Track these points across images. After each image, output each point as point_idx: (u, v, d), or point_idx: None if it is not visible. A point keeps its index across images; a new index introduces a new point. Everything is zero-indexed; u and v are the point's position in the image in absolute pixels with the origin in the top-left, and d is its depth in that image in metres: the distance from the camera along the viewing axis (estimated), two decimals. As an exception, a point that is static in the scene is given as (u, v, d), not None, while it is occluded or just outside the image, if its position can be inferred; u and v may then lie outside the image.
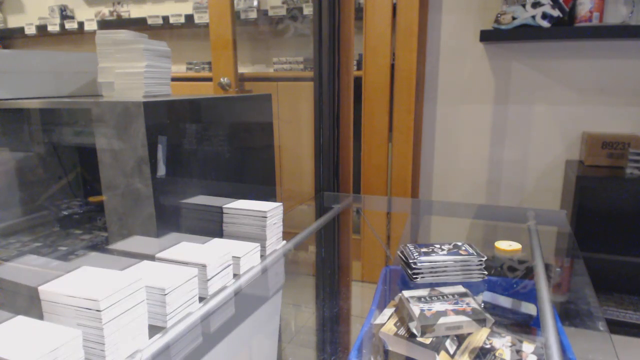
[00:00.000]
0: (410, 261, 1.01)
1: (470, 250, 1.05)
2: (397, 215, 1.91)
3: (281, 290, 1.13)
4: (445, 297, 0.86)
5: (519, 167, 2.30)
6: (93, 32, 1.51)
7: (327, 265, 1.42)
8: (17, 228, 1.32)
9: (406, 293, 0.85)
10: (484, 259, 1.03)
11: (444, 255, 1.03)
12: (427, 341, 0.75)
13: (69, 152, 1.46)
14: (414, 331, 0.76)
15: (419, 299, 0.84)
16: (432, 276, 1.01)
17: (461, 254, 1.03)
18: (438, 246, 1.07)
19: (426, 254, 1.03)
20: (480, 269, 1.02)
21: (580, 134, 2.18)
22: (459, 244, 1.09)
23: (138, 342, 0.74)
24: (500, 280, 1.09)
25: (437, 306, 0.81)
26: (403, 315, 0.82)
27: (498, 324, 0.83)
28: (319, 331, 1.03)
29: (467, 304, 0.83)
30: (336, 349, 0.93)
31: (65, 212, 1.46)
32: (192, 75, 3.21)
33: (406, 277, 1.03)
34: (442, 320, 0.77)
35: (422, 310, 0.79)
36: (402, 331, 0.79)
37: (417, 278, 1.00)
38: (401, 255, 1.07)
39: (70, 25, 3.46)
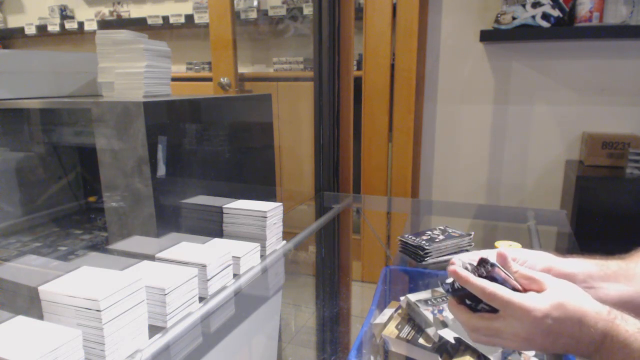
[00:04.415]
0: (422, 244, 1.15)
1: (458, 232, 1.23)
2: (397, 215, 1.91)
3: (281, 290, 1.13)
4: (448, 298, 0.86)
5: (519, 167, 2.30)
6: (93, 32, 1.51)
7: (327, 265, 1.42)
8: (17, 228, 1.32)
9: (411, 296, 0.85)
10: (472, 235, 1.21)
11: (443, 238, 1.19)
12: (430, 344, 0.75)
13: (69, 152, 1.46)
14: (433, 338, 0.75)
15: (426, 302, 0.83)
16: (438, 256, 1.16)
17: (453, 236, 1.20)
18: (429, 232, 1.23)
19: (429, 240, 1.17)
20: (470, 245, 1.21)
21: (580, 134, 2.18)
22: (442, 227, 1.25)
23: (138, 342, 0.74)
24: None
25: (446, 309, 0.80)
26: (414, 320, 0.81)
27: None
28: (319, 331, 1.03)
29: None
30: (336, 349, 0.93)
31: (65, 212, 1.46)
32: (192, 75, 3.21)
33: (407, 277, 1.04)
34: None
35: (434, 315, 0.79)
36: (404, 333, 0.79)
37: (427, 259, 1.14)
38: (406, 242, 1.19)
39: (70, 25, 3.46)
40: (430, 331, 0.77)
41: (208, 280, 0.92)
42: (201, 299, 0.91)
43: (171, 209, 1.09)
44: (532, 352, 0.77)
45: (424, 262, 1.14)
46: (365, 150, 2.38)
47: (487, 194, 2.39)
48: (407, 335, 0.78)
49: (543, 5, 1.95)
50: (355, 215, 2.14)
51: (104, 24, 3.40)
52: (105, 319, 0.67)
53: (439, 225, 1.27)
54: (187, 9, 3.25)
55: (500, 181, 2.35)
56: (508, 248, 0.69)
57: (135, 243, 1.05)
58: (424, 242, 1.15)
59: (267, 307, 1.06)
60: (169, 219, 1.08)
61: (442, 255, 1.16)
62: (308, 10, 2.80)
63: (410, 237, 1.20)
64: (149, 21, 3.22)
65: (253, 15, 2.92)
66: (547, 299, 0.55)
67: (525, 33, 2.02)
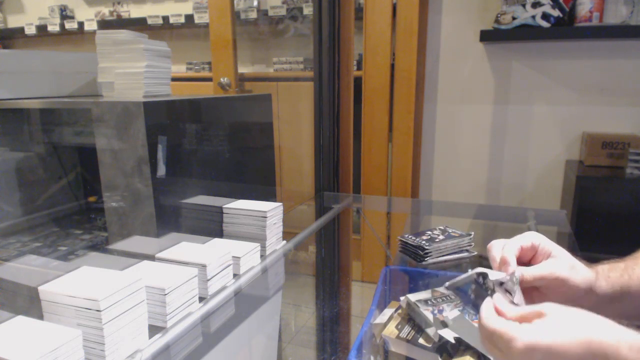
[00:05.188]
0: (422, 244, 1.15)
1: (458, 232, 1.23)
2: (397, 215, 1.91)
3: (281, 290, 1.13)
4: (448, 297, 0.86)
5: (519, 167, 2.30)
6: (93, 32, 1.51)
7: (327, 265, 1.42)
8: (17, 228, 1.32)
9: (411, 296, 0.85)
10: (472, 235, 1.21)
11: (443, 238, 1.19)
12: (430, 344, 0.75)
13: (69, 152, 1.46)
14: (433, 338, 0.75)
15: (426, 302, 0.83)
16: (438, 256, 1.17)
17: (453, 236, 1.20)
18: (429, 232, 1.23)
19: (429, 240, 1.18)
20: (470, 245, 1.21)
21: (580, 134, 2.18)
22: (442, 227, 1.25)
23: (138, 342, 0.74)
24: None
25: (446, 310, 0.80)
26: (414, 320, 0.81)
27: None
28: (319, 331, 1.03)
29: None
30: (336, 349, 0.94)
31: (65, 212, 1.46)
32: (192, 75, 3.21)
33: (407, 277, 1.04)
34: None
35: (434, 315, 0.79)
36: (404, 333, 0.79)
37: (427, 259, 1.15)
38: (406, 242, 1.20)
39: (70, 25, 3.46)
40: (430, 331, 0.77)
41: (208, 280, 0.92)
42: (201, 299, 0.91)
43: (171, 209, 1.09)
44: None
45: (424, 262, 1.14)
46: (365, 150, 2.38)
47: (487, 194, 2.39)
48: (407, 335, 0.78)
49: (543, 5, 1.95)
50: (355, 215, 2.14)
51: (104, 24, 3.40)
52: (105, 319, 0.67)
53: (439, 225, 1.27)
54: (187, 9, 3.25)
55: (500, 181, 2.35)
56: (533, 234, 0.66)
57: (135, 243, 1.05)
58: (424, 242, 1.15)
59: (267, 307, 1.06)
60: (169, 219, 1.08)
61: (442, 255, 1.16)
62: (308, 10, 2.80)
63: (410, 237, 1.20)
64: (149, 21, 3.22)
65: (253, 15, 2.92)
66: (538, 328, 0.48)
67: (525, 33, 2.02)
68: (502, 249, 0.64)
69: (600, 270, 0.64)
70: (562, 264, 0.62)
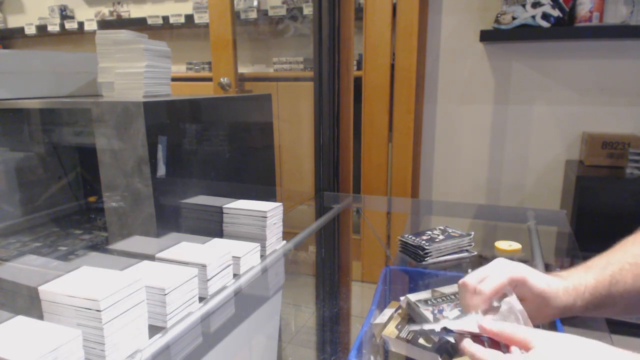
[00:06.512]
0: (422, 244, 1.16)
1: (458, 232, 1.23)
2: (397, 215, 1.91)
3: (281, 290, 1.13)
4: (448, 297, 0.86)
5: (519, 167, 2.30)
6: (93, 32, 1.51)
7: (327, 265, 1.42)
8: (17, 228, 1.32)
9: (411, 296, 0.85)
10: (472, 235, 1.21)
11: (443, 238, 1.20)
12: (430, 344, 0.75)
13: (69, 152, 1.46)
14: (433, 338, 0.75)
15: (426, 302, 0.83)
16: (438, 256, 1.17)
17: (453, 236, 1.20)
18: (429, 232, 1.23)
19: (429, 240, 1.18)
20: (470, 245, 1.22)
21: (580, 134, 2.18)
22: (442, 227, 1.26)
23: (138, 342, 0.74)
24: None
25: (446, 309, 0.80)
26: (414, 320, 0.81)
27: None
28: (319, 331, 1.03)
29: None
30: (336, 349, 0.93)
31: (65, 212, 1.46)
32: (192, 75, 3.21)
33: (407, 277, 1.04)
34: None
35: (434, 315, 0.79)
36: (404, 333, 0.79)
37: (427, 259, 1.15)
38: (406, 242, 1.20)
39: (70, 25, 3.46)
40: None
41: (208, 280, 0.92)
42: (201, 299, 0.91)
43: (171, 209, 1.09)
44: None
45: (424, 262, 1.14)
46: (365, 150, 2.38)
47: (487, 194, 2.39)
48: (407, 335, 0.78)
49: (543, 5, 1.95)
50: (355, 215, 2.14)
51: (104, 24, 3.40)
52: (105, 319, 0.67)
53: (439, 225, 1.27)
54: (187, 9, 3.25)
55: (500, 181, 2.35)
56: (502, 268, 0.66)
57: (135, 243, 1.05)
58: (424, 242, 1.15)
59: (267, 307, 1.06)
60: (169, 219, 1.08)
61: (442, 255, 1.17)
62: (308, 10, 2.80)
63: (410, 237, 1.20)
64: (149, 21, 3.22)
65: (253, 15, 2.92)
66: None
67: (525, 33, 2.02)
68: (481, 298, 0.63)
69: (578, 289, 0.63)
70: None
